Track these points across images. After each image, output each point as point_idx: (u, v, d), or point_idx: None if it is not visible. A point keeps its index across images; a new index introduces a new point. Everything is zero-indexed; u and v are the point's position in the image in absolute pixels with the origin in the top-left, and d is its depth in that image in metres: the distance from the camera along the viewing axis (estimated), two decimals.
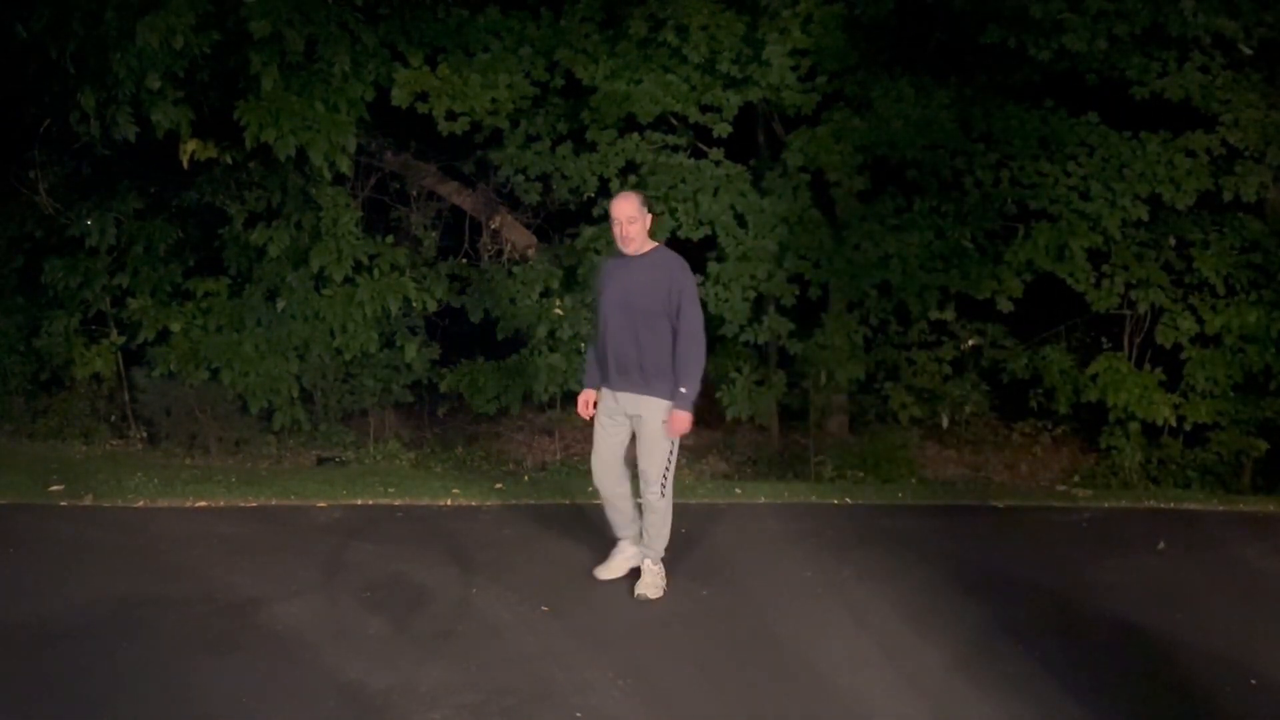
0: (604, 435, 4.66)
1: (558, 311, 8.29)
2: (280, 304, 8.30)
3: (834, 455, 8.36)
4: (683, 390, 4.40)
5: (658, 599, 4.58)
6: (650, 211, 4.54)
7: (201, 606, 4.38)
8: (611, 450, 4.65)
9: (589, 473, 4.79)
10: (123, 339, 8.77)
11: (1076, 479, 8.23)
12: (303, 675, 3.72)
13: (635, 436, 4.62)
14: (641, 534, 4.73)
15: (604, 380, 4.63)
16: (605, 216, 8.22)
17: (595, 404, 4.71)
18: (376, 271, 8.30)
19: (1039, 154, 8.05)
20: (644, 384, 4.47)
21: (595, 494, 5.36)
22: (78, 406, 9.07)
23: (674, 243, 8.10)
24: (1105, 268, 8.10)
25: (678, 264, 4.50)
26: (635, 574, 4.77)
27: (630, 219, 4.42)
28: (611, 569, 4.87)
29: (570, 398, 8.17)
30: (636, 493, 4.68)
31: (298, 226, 8.44)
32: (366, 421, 8.85)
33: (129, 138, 7.48)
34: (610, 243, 7.91)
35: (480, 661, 3.85)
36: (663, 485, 4.54)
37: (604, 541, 5.29)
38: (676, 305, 4.40)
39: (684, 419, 4.42)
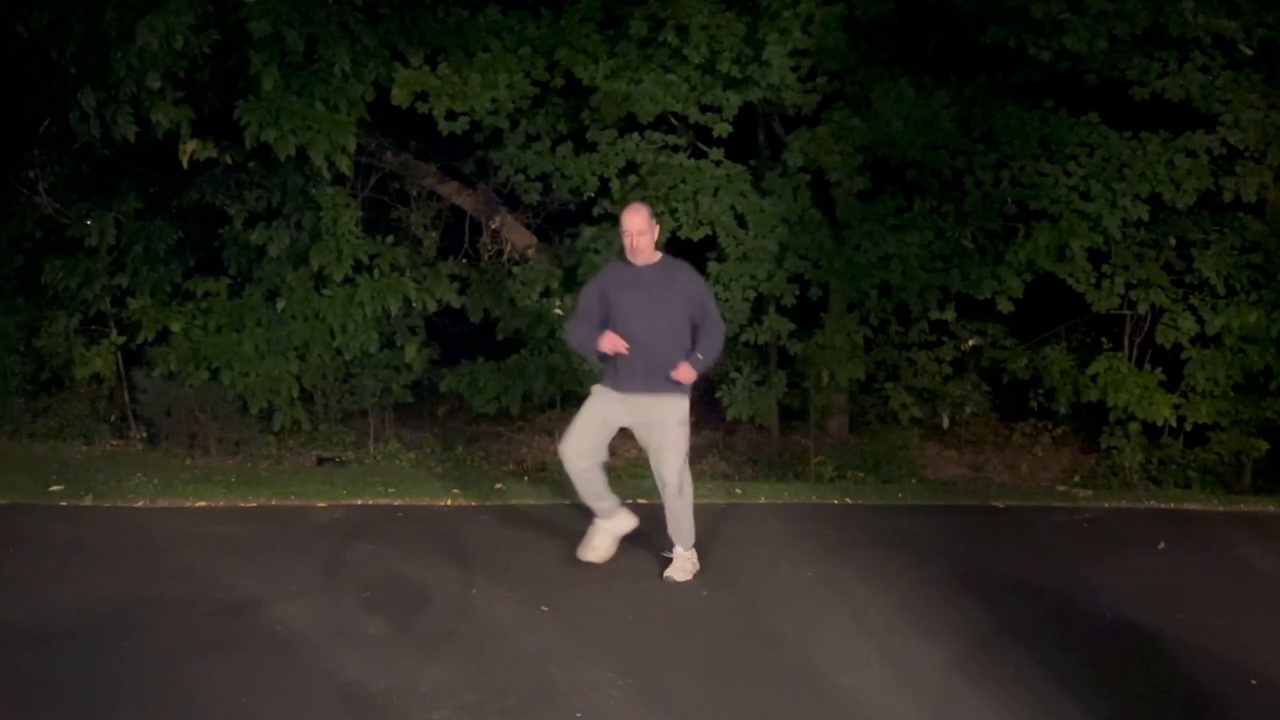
0: (599, 427, 4.76)
1: (558, 311, 8.28)
2: (280, 304, 8.30)
3: (834, 455, 8.35)
4: (699, 356, 4.62)
5: (685, 581, 4.74)
6: (657, 222, 4.74)
7: (201, 606, 4.37)
8: (598, 440, 4.77)
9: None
10: (123, 339, 8.75)
11: (1077, 479, 8.23)
12: (303, 675, 3.72)
13: (647, 447, 4.78)
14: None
15: (614, 383, 4.73)
16: (606, 217, 8.24)
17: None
18: (376, 271, 8.30)
19: (1039, 154, 8.05)
20: (664, 383, 4.62)
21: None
22: (78, 407, 9.06)
23: (674, 242, 8.11)
24: (1105, 268, 8.10)
25: (690, 271, 4.79)
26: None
27: (640, 232, 4.62)
28: (595, 549, 4.94)
29: (570, 398, 8.17)
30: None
31: (298, 226, 8.44)
32: (366, 421, 8.84)
33: (129, 138, 7.48)
34: (610, 244, 7.97)
35: (480, 662, 3.85)
36: (681, 485, 4.71)
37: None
38: (700, 308, 4.73)
39: (689, 371, 4.59)
